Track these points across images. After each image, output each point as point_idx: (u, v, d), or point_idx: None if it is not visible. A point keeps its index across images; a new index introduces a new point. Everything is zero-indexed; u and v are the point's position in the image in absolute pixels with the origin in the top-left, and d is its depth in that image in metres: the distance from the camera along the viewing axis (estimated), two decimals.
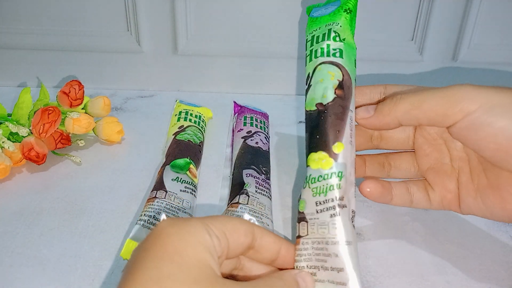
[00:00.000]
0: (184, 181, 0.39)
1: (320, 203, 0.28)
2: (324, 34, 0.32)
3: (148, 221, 0.35)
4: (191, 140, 0.44)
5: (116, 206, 0.39)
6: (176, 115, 0.48)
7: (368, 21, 0.56)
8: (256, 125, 0.47)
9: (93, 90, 0.59)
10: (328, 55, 0.31)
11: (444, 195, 0.34)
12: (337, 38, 0.32)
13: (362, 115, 0.32)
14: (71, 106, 0.45)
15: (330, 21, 0.33)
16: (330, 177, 0.28)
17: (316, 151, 0.29)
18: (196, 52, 0.58)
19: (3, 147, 0.41)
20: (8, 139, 0.43)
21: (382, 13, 0.56)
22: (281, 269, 0.29)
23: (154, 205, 0.36)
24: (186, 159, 0.41)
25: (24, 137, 0.42)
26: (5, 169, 0.41)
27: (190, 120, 0.47)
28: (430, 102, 0.28)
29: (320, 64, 0.31)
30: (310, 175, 0.29)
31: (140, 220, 0.35)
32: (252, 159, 0.41)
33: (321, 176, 0.28)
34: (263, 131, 0.47)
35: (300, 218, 0.29)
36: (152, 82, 0.61)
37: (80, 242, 0.35)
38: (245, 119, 0.48)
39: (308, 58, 0.33)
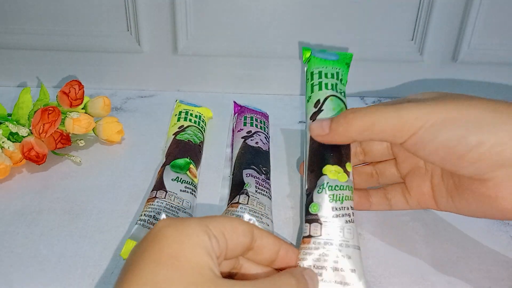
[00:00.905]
0: (184, 181, 0.39)
1: (336, 209, 0.31)
2: (333, 74, 0.38)
3: (148, 221, 0.35)
4: (191, 140, 0.44)
5: (116, 206, 0.39)
6: (176, 115, 0.48)
7: (368, 21, 0.56)
8: (256, 125, 0.47)
9: (93, 90, 0.59)
10: (336, 91, 0.37)
11: (420, 198, 0.35)
12: (342, 82, 0.38)
13: (317, 132, 0.33)
14: (71, 106, 0.45)
15: (335, 65, 0.38)
16: (345, 189, 0.32)
17: (332, 164, 0.33)
18: (196, 52, 0.58)
19: (3, 147, 0.41)
20: (8, 139, 0.43)
21: (382, 13, 0.56)
22: (278, 270, 0.29)
23: (154, 205, 0.36)
24: (186, 159, 0.41)
25: (24, 137, 0.42)
26: (5, 169, 0.41)
27: (190, 120, 0.47)
28: (380, 124, 0.30)
29: (331, 95, 0.36)
30: (328, 183, 0.32)
31: (140, 220, 0.35)
32: (252, 159, 0.41)
33: (337, 186, 0.32)
34: (263, 131, 0.46)
35: (312, 219, 0.31)
36: (152, 82, 0.61)
37: (80, 242, 0.35)
38: (245, 119, 0.48)
39: (317, 86, 0.37)
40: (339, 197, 0.31)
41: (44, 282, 0.32)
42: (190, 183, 0.39)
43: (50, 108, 0.42)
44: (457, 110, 0.29)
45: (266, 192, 0.38)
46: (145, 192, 0.41)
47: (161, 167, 0.40)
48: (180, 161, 0.41)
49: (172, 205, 0.36)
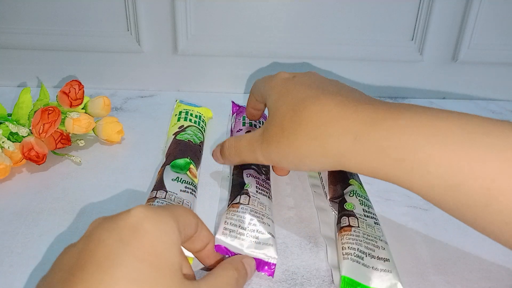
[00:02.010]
0: (184, 181, 0.39)
1: (366, 211, 0.36)
2: None
3: None
4: (191, 140, 0.44)
5: (116, 206, 0.39)
6: (176, 115, 0.48)
7: (368, 21, 0.56)
8: (255, 125, 0.47)
9: (93, 90, 0.59)
10: None
11: None
12: None
13: (218, 161, 0.39)
14: (71, 106, 0.45)
15: None
16: (367, 200, 0.38)
17: (354, 179, 0.40)
18: (196, 52, 0.58)
19: (3, 147, 0.41)
20: (8, 139, 0.43)
21: (382, 13, 0.56)
22: (201, 262, 0.32)
23: (154, 205, 0.36)
24: (186, 159, 0.41)
25: (24, 137, 0.42)
26: (5, 169, 0.41)
27: (190, 120, 0.47)
28: (245, 157, 0.35)
29: None
30: (355, 190, 0.38)
31: None
32: None
33: (362, 195, 0.38)
34: None
35: (349, 214, 0.35)
36: (152, 82, 0.61)
37: None
38: (243, 119, 0.48)
39: None
40: (366, 203, 0.37)
41: None
42: (190, 183, 0.39)
43: (50, 108, 0.42)
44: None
45: (266, 192, 0.38)
46: (145, 192, 0.41)
47: (161, 167, 0.40)
48: (180, 161, 0.41)
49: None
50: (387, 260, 0.32)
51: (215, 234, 0.32)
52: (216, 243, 0.32)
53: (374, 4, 0.55)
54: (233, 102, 0.51)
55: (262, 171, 0.40)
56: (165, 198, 0.36)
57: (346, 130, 0.28)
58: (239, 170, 0.40)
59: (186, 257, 0.29)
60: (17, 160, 0.43)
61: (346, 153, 0.28)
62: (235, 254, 0.32)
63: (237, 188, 0.38)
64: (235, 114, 0.50)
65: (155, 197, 0.36)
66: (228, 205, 0.37)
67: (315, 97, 0.30)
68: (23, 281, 0.31)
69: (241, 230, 0.33)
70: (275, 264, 0.32)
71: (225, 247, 0.32)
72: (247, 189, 0.37)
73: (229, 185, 0.41)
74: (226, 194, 0.40)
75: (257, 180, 0.39)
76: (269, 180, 0.40)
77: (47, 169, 0.44)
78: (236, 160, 0.37)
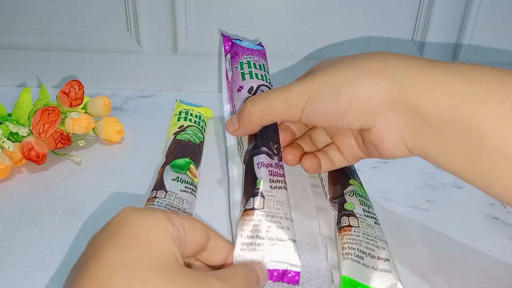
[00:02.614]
0: (184, 181, 0.39)
1: (366, 211, 0.36)
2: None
3: None
4: (191, 140, 0.44)
5: (116, 206, 0.39)
6: (176, 115, 0.48)
7: (368, 21, 0.56)
8: (256, 75, 0.39)
9: (93, 90, 0.59)
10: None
11: (351, 152, 0.36)
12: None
13: (231, 128, 0.37)
14: (71, 106, 0.45)
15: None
16: (368, 199, 0.38)
17: (354, 179, 0.40)
18: (196, 52, 0.58)
19: (3, 147, 0.41)
20: (8, 139, 0.43)
21: (382, 13, 0.56)
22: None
23: (154, 205, 0.36)
24: (186, 159, 0.41)
25: (24, 137, 0.42)
26: (5, 169, 0.41)
27: (190, 120, 0.47)
28: (274, 107, 0.33)
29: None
30: (355, 190, 0.38)
31: None
32: (262, 138, 0.36)
33: (362, 195, 0.38)
34: (264, 81, 0.39)
35: (349, 214, 0.35)
36: (152, 82, 0.61)
37: (80, 242, 0.35)
38: (241, 67, 0.40)
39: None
40: (366, 203, 0.37)
41: (44, 282, 0.32)
42: (190, 183, 0.39)
43: (50, 108, 0.42)
44: (329, 76, 0.31)
45: (281, 181, 0.34)
46: (145, 192, 0.41)
47: (161, 167, 0.40)
48: (180, 161, 0.41)
49: (172, 205, 0.36)
50: (387, 260, 0.32)
51: (233, 246, 0.31)
52: (234, 260, 0.30)
53: (374, 4, 0.55)
54: (222, 34, 0.43)
55: (274, 151, 0.35)
56: (165, 198, 0.36)
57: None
58: (249, 157, 0.36)
59: (192, 252, 0.28)
60: (17, 160, 0.42)
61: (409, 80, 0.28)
62: (282, 270, 0.30)
63: (250, 186, 0.34)
64: (228, 55, 0.41)
65: (155, 197, 0.36)
66: (242, 212, 0.33)
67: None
68: (23, 281, 0.31)
69: (259, 241, 0.31)
70: (299, 273, 0.30)
71: (273, 270, 0.30)
72: (259, 188, 0.33)
73: (242, 176, 0.37)
74: (237, 197, 0.37)
75: (270, 169, 0.34)
76: (281, 160, 0.36)
77: (47, 169, 0.44)
78: (257, 121, 0.34)
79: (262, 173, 0.34)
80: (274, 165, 0.35)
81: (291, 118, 0.33)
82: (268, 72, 0.43)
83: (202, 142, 0.46)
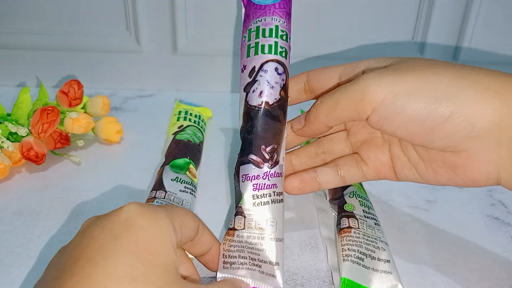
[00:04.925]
0: (183, 181, 0.39)
1: (366, 212, 0.36)
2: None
3: None
4: (191, 140, 0.44)
5: (116, 206, 0.38)
6: (175, 114, 0.48)
7: (368, 21, 0.56)
8: (263, 48, 0.31)
9: (93, 89, 0.59)
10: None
11: (379, 168, 0.33)
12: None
13: (295, 127, 0.34)
14: (70, 105, 0.45)
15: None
16: (368, 200, 0.38)
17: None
18: (196, 52, 0.58)
19: (3, 147, 0.41)
20: (8, 139, 0.43)
21: (382, 13, 0.56)
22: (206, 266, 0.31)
23: (154, 205, 0.36)
24: (185, 159, 0.41)
25: (23, 137, 0.42)
26: (5, 169, 0.41)
27: (189, 120, 0.47)
28: (342, 102, 0.29)
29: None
30: (355, 191, 0.38)
31: None
32: (252, 140, 0.31)
33: (362, 196, 0.38)
34: (273, 53, 0.31)
35: (349, 215, 0.35)
36: (152, 81, 0.61)
37: None
38: (249, 37, 0.32)
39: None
40: (366, 204, 0.37)
41: None
42: (189, 183, 0.39)
43: (49, 108, 0.42)
44: (423, 79, 0.26)
45: (269, 195, 0.30)
46: (145, 192, 0.41)
47: (161, 167, 0.40)
48: (180, 161, 0.41)
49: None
50: (388, 261, 0.32)
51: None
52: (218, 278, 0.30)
53: (374, 4, 0.55)
54: None
55: (265, 156, 0.31)
56: (164, 198, 0.36)
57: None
58: (237, 166, 0.32)
59: (187, 259, 0.29)
60: (16, 160, 0.42)
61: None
62: None
63: (235, 201, 0.32)
64: (244, 12, 0.34)
65: (155, 197, 0.36)
66: (227, 229, 0.31)
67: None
68: (23, 281, 0.31)
69: (242, 260, 0.30)
70: None
71: None
72: (240, 206, 0.30)
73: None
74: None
75: (255, 182, 0.30)
76: (278, 163, 0.31)
77: (47, 169, 0.44)
78: (323, 119, 0.31)
79: (245, 188, 0.31)
80: (262, 175, 0.30)
81: (359, 115, 0.29)
82: (286, 34, 0.34)
83: (201, 142, 0.46)
